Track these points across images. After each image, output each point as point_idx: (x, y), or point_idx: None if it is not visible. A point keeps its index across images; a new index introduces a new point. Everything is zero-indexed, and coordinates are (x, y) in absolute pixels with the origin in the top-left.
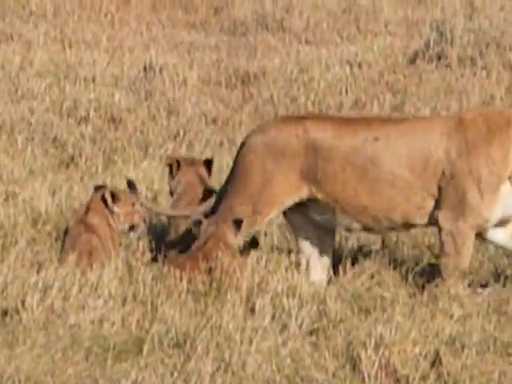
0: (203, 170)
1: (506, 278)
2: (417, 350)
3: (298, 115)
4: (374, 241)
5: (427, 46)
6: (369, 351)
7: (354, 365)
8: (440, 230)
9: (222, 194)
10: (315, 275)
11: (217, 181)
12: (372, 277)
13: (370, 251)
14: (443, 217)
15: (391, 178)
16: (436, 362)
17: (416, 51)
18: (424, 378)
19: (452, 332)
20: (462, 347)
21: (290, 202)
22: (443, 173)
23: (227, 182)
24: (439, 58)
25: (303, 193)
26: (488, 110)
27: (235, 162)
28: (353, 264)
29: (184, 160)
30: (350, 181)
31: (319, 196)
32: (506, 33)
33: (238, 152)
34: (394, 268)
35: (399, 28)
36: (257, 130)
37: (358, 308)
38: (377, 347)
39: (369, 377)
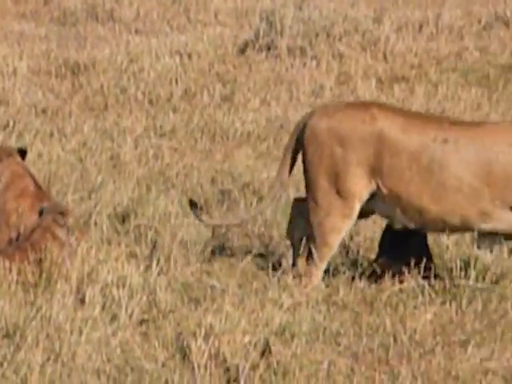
0: (20, 160)
1: (336, 268)
2: (246, 339)
3: (362, 101)
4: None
5: (257, 36)
6: (199, 341)
7: (184, 355)
8: None
9: (308, 184)
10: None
11: (47, 171)
12: (201, 267)
13: (200, 241)
14: None
15: (458, 183)
16: (266, 351)
17: (246, 41)
18: (254, 367)
19: (282, 321)
20: (292, 336)
21: (365, 193)
22: None
23: (306, 170)
24: (269, 48)
25: (373, 184)
26: None
27: (303, 147)
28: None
29: (4, 150)
30: (414, 180)
31: (384, 191)
32: (335, 23)
33: (302, 136)
34: (224, 258)
35: (229, 18)
36: (319, 113)
37: (187, 298)
38: (207, 337)
39: (199, 366)
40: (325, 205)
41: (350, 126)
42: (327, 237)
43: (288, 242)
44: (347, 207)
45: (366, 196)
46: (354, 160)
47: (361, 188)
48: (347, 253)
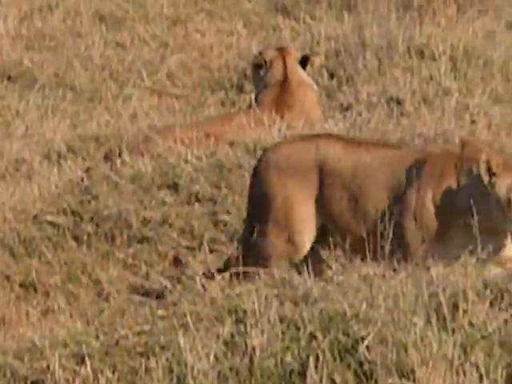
0: None
1: None
2: None
3: (314, 133)
4: None
5: None
6: None
7: None
8: None
9: (251, 222)
10: None
11: None
12: None
13: None
14: None
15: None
16: None
17: None
18: None
19: None
20: None
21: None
22: None
23: (252, 208)
24: None
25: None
26: None
27: (254, 186)
28: None
29: None
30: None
31: (329, 226)
32: None
33: (254, 174)
34: None
35: None
36: (269, 149)
37: None
38: None
39: None
40: (274, 240)
41: (296, 158)
42: None
43: None
44: None
45: None
46: (300, 191)
47: None
48: None
